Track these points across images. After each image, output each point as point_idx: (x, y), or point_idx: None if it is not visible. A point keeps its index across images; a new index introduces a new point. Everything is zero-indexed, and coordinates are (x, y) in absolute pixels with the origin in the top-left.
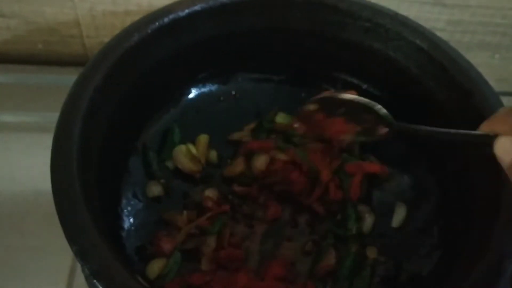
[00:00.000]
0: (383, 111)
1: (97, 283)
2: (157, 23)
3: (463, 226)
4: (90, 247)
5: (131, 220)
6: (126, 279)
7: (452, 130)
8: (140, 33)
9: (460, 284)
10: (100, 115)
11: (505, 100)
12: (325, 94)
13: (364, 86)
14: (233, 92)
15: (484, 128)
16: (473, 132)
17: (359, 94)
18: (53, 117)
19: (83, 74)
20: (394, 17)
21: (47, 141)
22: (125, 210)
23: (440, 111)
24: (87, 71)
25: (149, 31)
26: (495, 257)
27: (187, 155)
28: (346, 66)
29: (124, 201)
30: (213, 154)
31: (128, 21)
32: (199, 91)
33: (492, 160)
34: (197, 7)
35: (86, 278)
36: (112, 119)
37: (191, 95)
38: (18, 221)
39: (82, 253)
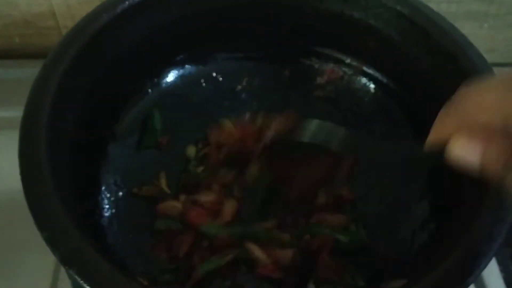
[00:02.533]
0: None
1: (69, 270)
2: (127, 2)
3: (454, 198)
4: (60, 233)
5: (112, 207)
6: (100, 264)
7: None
8: (109, 13)
9: (452, 251)
10: (70, 99)
11: (495, 71)
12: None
13: (347, 60)
14: (214, 74)
15: (434, 137)
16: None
17: (342, 69)
18: None
19: (50, 58)
20: None
21: None
22: (105, 198)
23: (426, 77)
24: (54, 54)
25: (119, 10)
26: (486, 223)
27: None
28: (327, 39)
29: (103, 188)
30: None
31: None
32: (178, 74)
33: None
34: None
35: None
36: (84, 103)
37: (169, 79)
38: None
39: (52, 239)
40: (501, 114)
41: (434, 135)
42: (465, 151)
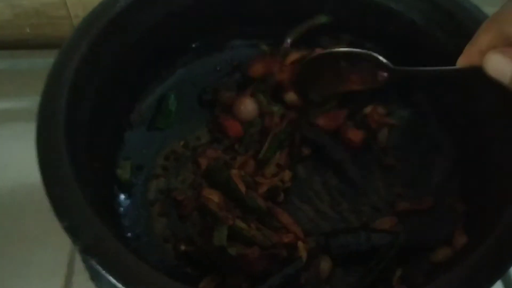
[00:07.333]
0: (381, 57)
1: (90, 260)
2: None
3: (483, 179)
4: (80, 222)
5: (128, 196)
6: (121, 254)
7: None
8: None
9: (485, 238)
10: (87, 86)
11: None
12: (318, 51)
13: (368, 45)
14: (230, 60)
15: (468, 54)
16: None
17: None
18: None
19: (67, 44)
20: None
21: None
22: (121, 186)
23: (450, 60)
24: (71, 41)
25: None
26: None
27: None
28: (347, 24)
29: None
30: None
31: None
32: (194, 61)
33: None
34: None
35: (82, 258)
36: (102, 90)
37: (184, 66)
38: (14, 212)
39: (72, 228)
40: None
41: (472, 48)
42: (499, 65)
